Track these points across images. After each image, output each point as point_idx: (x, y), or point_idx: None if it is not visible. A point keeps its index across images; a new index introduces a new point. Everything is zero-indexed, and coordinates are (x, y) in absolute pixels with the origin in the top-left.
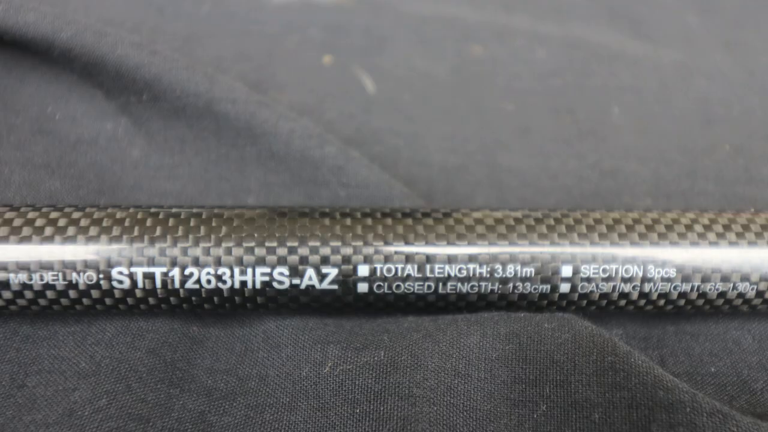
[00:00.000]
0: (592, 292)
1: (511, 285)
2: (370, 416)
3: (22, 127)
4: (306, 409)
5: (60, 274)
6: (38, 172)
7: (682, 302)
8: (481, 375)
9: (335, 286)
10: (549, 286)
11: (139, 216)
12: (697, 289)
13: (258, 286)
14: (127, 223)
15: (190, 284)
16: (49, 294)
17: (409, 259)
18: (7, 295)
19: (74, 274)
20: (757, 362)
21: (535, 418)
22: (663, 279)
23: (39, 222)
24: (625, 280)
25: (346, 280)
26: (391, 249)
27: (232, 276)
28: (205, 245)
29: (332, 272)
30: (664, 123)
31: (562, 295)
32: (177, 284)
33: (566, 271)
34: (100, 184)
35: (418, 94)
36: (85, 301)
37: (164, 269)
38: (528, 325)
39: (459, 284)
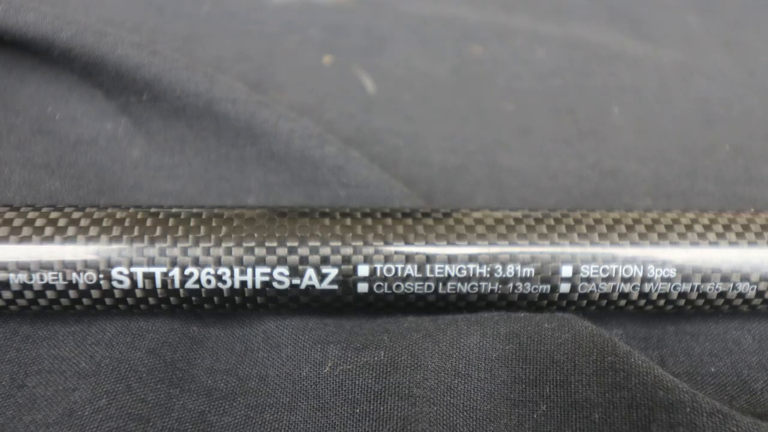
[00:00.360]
0: (592, 292)
1: (511, 285)
2: (370, 416)
3: (22, 127)
4: (306, 409)
5: (60, 274)
6: (38, 172)
7: (682, 302)
8: (481, 375)
9: (335, 286)
10: (549, 286)
11: (139, 216)
12: (697, 289)
13: (258, 286)
14: (127, 223)
15: (190, 284)
16: (49, 294)
17: (409, 259)
18: (7, 295)
19: (74, 274)
20: (757, 362)
21: (535, 418)
22: (663, 279)
23: (39, 222)
24: (625, 280)
25: (346, 280)
26: (391, 249)
27: (232, 276)
28: (205, 245)
29: (332, 272)
30: (664, 123)
31: (562, 295)
32: (177, 284)
33: (566, 271)
34: (100, 184)
35: (418, 94)
36: (85, 301)
37: (164, 269)
38: (528, 325)
39: (459, 284)
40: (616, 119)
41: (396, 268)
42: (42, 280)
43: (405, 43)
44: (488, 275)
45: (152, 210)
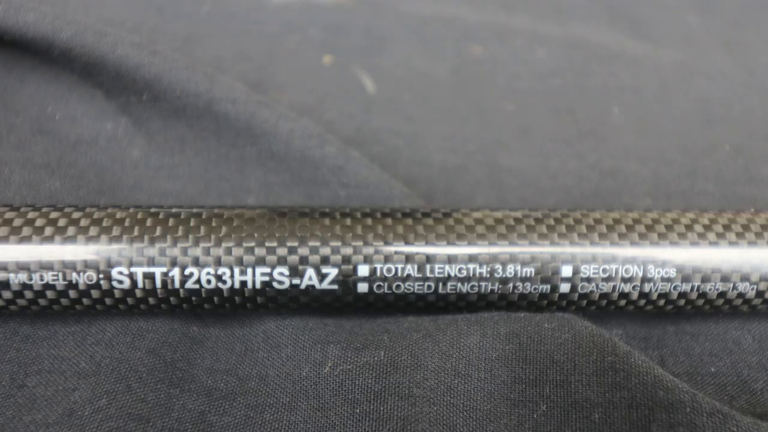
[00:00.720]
0: (592, 292)
1: (511, 285)
2: (370, 416)
3: (22, 127)
4: (306, 409)
5: (60, 274)
6: (38, 172)
7: (682, 302)
8: (481, 375)
9: (335, 286)
10: (549, 286)
11: (139, 216)
12: (697, 289)
13: (258, 286)
14: (127, 223)
15: (190, 284)
16: (49, 294)
17: (409, 259)
18: (7, 295)
19: (74, 274)
20: (757, 362)
21: (535, 418)
22: (663, 279)
23: (39, 222)
24: (625, 280)
25: (346, 280)
26: (391, 249)
27: (232, 276)
28: (205, 245)
29: (332, 272)
30: (664, 123)
31: (562, 295)
32: (177, 284)
33: (566, 271)
34: (100, 184)
35: (418, 94)
36: (85, 301)
37: (164, 269)
38: (528, 325)
39: (459, 284)
40: (616, 119)
41: (396, 268)
42: (42, 280)
43: (405, 43)
44: (488, 275)
45: (152, 210)
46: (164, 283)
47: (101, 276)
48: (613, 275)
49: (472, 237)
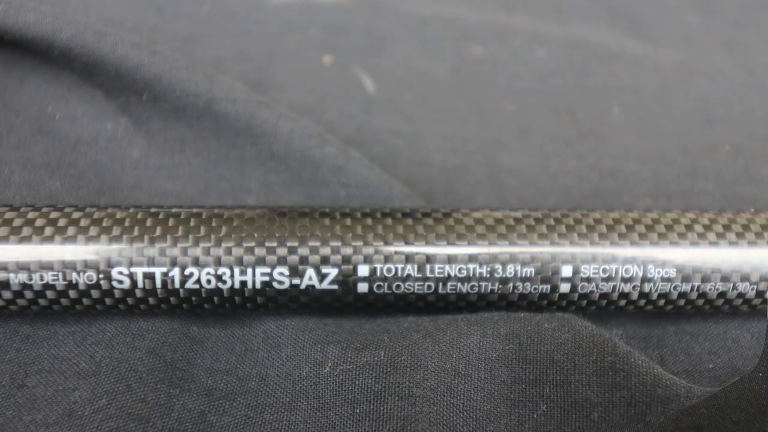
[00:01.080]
0: (592, 292)
1: (511, 285)
2: (370, 416)
3: (22, 127)
4: (306, 409)
5: (60, 274)
6: (38, 172)
7: (682, 302)
8: (481, 375)
9: (335, 286)
10: (549, 286)
11: (139, 216)
12: (697, 289)
13: (258, 286)
14: (127, 223)
15: (190, 284)
16: (49, 294)
17: (409, 259)
18: (7, 295)
19: (74, 274)
20: (753, 355)
21: (535, 418)
22: (663, 279)
23: (39, 222)
24: (625, 280)
25: (346, 280)
26: (391, 249)
27: (232, 276)
28: (205, 245)
29: (332, 272)
30: (664, 123)
31: (562, 295)
32: (177, 284)
33: (566, 271)
34: (100, 184)
35: (418, 94)
36: (85, 301)
37: (164, 269)
38: (528, 325)
39: (459, 284)
40: (616, 119)
41: (396, 268)
42: (42, 280)
43: (405, 43)
44: (488, 275)
45: (152, 210)
46: (164, 283)
47: (101, 276)
48: (613, 275)
49: (472, 237)
